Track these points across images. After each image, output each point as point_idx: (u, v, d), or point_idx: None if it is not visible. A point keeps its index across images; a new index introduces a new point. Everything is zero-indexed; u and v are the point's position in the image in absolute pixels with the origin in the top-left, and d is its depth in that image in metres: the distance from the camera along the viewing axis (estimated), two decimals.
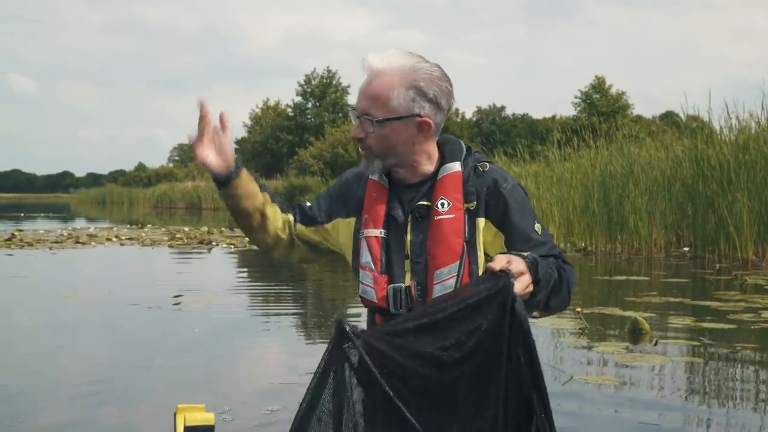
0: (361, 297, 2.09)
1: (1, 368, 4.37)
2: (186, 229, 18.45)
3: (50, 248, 12.88)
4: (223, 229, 18.61)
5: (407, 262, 2.04)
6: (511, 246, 1.98)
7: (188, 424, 1.28)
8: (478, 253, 1.98)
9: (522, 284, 1.73)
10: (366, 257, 2.06)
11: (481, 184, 2.03)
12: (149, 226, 20.30)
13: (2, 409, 3.50)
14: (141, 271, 10.48)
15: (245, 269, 11.26)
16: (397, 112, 1.98)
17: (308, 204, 2.26)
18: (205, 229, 18.25)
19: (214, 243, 14.29)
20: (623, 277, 9.17)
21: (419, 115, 1.99)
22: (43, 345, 5.11)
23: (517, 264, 1.75)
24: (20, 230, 17.39)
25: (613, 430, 3.27)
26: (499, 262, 1.74)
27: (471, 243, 1.98)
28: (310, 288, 8.88)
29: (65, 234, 16.03)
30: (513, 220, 2.01)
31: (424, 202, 2.03)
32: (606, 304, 6.72)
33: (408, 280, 2.03)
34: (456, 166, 2.04)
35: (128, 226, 20.67)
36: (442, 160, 2.07)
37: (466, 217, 2.00)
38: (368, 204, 2.11)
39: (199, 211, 38.17)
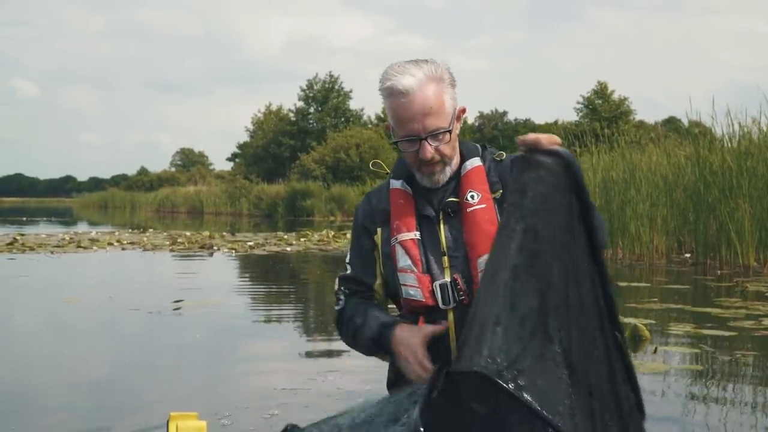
0: (405, 300, 2.12)
1: None
2: (188, 233, 18.45)
3: (51, 252, 12.89)
4: (224, 233, 18.61)
5: (444, 259, 2.09)
6: None
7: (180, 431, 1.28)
8: None
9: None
10: (405, 260, 2.10)
11: (502, 170, 2.13)
12: (151, 230, 20.31)
13: None
14: (142, 275, 10.48)
15: (246, 274, 11.25)
16: (451, 114, 2.08)
17: (352, 274, 2.25)
18: (206, 233, 18.24)
19: (215, 247, 14.29)
20: (624, 283, 9.16)
21: (457, 108, 2.12)
22: (41, 349, 5.12)
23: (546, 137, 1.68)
24: (22, 234, 17.42)
25: None
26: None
27: None
28: (311, 292, 8.88)
29: (67, 238, 16.05)
30: None
31: (453, 199, 2.11)
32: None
33: (448, 276, 2.07)
34: (476, 161, 2.15)
35: (130, 230, 20.68)
36: (462, 159, 2.17)
37: (496, 207, 2.07)
38: (396, 211, 2.16)
39: (201, 215, 38.17)
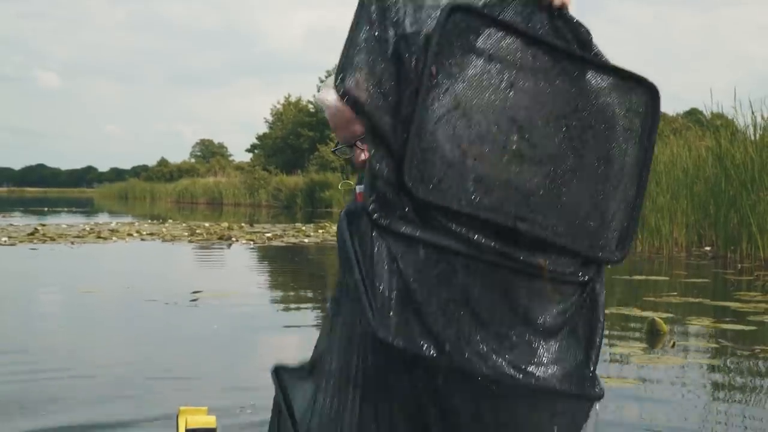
0: None
1: (11, 363, 4.40)
2: (206, 224, 18.54)
3: (72, 243, 13.00)
4: (243, 224, 18.68)
5: None
6: None
7: (189, 426, 1.27)
8: None
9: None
10: None
11: None
12: (170, 221, 20.43)
13: (10, 402, 3.53)
14: (160, 266, 10.55)
15: (264, 265, 11.30)
16: None
17: None
18: (225, 224, 18.33)
19: (233, 239, 14.35)
20: (643, 277, 9.08)
21: None
22: (56, 339, 5.16)
23: None
24: (43, 225, 17.58)
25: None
26: None
27: None
28: (329, 285, 8.89)
29: (87, 229, 16.18)
30: None
31: None
32: (625, 304, 6.64)
33: None
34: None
35: (150, 221, 20.82)
36: None
37: None
38: None
39: (220, 206, 38.36)
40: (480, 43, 1.55)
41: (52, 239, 13.56)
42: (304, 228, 17.21)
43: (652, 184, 12.21)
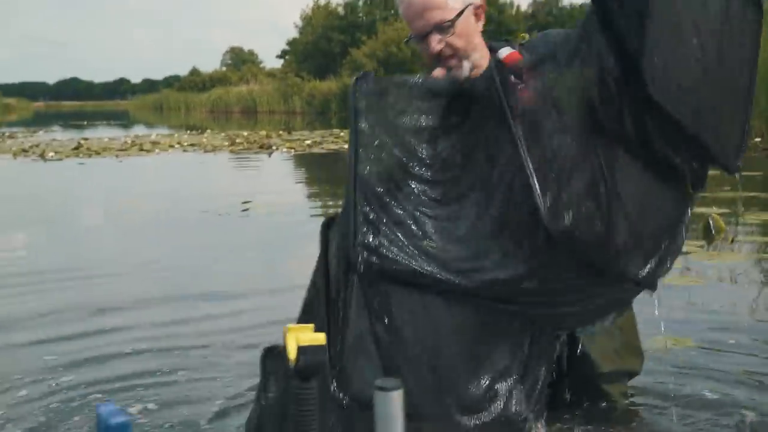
0: None
1: (78, 270, 4.55)
2: (245, 133, 18.59)
3: (117, 156, 13.17)
4: (281, 132, 18.69)
5: None
6: None
7: (301, 344, 1.30)
8: None
9: None
10: None
11: (531, 49, 2.12)
12: (209, 131, 20.52)
13: (72, 302, 3.67)
14: (206, 177, 10.68)
15: (308, 173, 11.36)
16: (457, 8, 2.08)
17: None
18: (263, 133, 18.36)
19: (274, 147, 14.40)
20: None
21: (471, 4, 2.11)
22: (123, 254, 5.29)
23: None
24: (86, 139, 17.79)
25: (691, 330, 3.25)
26: None
27: None
28: None
29: (129, 142, 16.34)
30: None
31: None
32: None
33: None
34: (509, 49, 2.14)
35: (188, 132, 20.93)
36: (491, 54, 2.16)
37: None
38: None
39: (255, 114, 38.32)
40: None
41: (97, 153, 13.75)
42: (342, 134, 17.16)
43: None
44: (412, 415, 1.49)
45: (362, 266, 1.74)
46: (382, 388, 0.84)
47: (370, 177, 1.85)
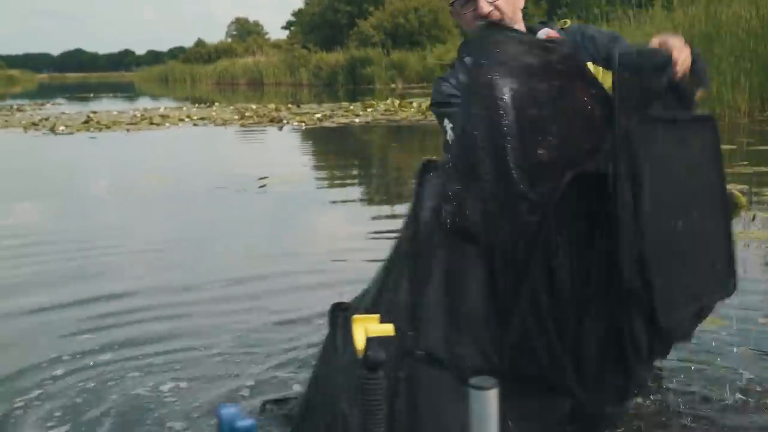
0: None
1: (110, 238, 4.58)
2: (253, 106, 18.52)
3: (127, 130, 13.16)
4: (290, 105, 18.62)
5: None
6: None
7: (370, 335, 1.31)
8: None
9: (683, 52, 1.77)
10: None
11: (572, 36, 2.14)
12: (217, 104, 20.45)
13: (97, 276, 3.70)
14: (218, 151, 10.67)
15: (322, 148, 11.33)
16: None
17: None
18: (272, 106, 18.29)
19: (284, 120, 14.35)
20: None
21: None
22: (143, 231, 5.31)
23: (671, 39, 1.78)
24: (94, 112, 17.75)
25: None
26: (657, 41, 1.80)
27: None
28: (394, 164, 8.91)
29: (138, 116, 16.31)
30: (597, 42, 2.12)
31: None
32: None
33: None
34: (548, 30, 2.14)
35: (196, 105, 20.86)
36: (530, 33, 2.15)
37: None
38: None
39: (261, 86, 38.13)
40: None
41: (107, 127, 13.73)
42: (351, 107, 17.08)
43: (716, 48, 11.73)
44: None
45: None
46: (478, 387, 0.84)
47: None
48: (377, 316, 1.36)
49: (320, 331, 2.39)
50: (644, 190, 1.64)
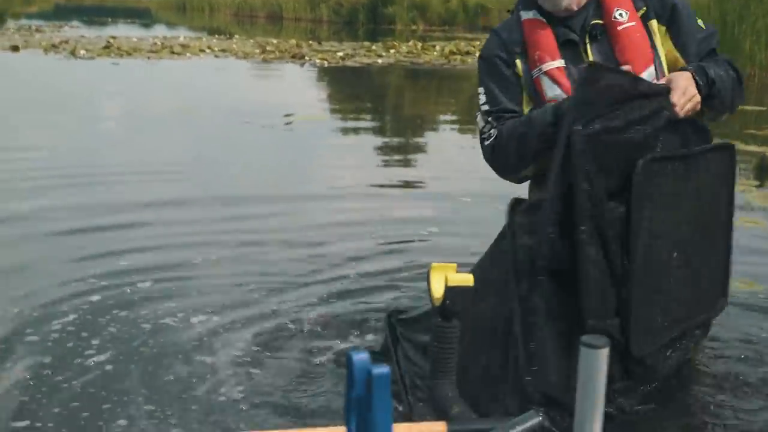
0: None
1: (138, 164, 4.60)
2: (274, 41, 18.27)
3: (148, 58, 13.03)
4: (311, 42, 18.37)
5: None
6: (680, 42, 2.06)
7: (450, 284, 1.31)
8: (661, 58, 2.05)
9: (684, 97, 1.84)
10: (553, 90, 2.03)
11: None
12: (236, 37, 20.19)
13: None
14: (242, 85, 10.58)
15: (347, 87, 11.22)
16: None
17: (497, 108, 2.12)
18: (293, 42, 18.04)
19: (306, 57, 14.18)
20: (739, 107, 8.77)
21: None
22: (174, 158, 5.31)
23: (677, 80, 1.85)
24: (114, 38, 17.55)
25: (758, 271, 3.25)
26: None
27: (653, 46, 2.06)
28: (418, 107, 8.83)
29: (159, 44, 16.11)
30: (681, 18, 2.08)
31: (598, 21, 2.06)
32: (724, 137, 6.46)
33: None
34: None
35: (215, 36, 20.60)
36: None
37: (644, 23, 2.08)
38: (533, 41, 2.08)
39: (281, 21, 37.52)
40: None
41: (128, 53, 13.60)
42: (374, 47, 16.84)
43: (752, 4, 11.45)
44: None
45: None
46: (589, 345, 0.84)
47: None
48: (454, 264, 1.36)
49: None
50: (639, 240, 1.70)
